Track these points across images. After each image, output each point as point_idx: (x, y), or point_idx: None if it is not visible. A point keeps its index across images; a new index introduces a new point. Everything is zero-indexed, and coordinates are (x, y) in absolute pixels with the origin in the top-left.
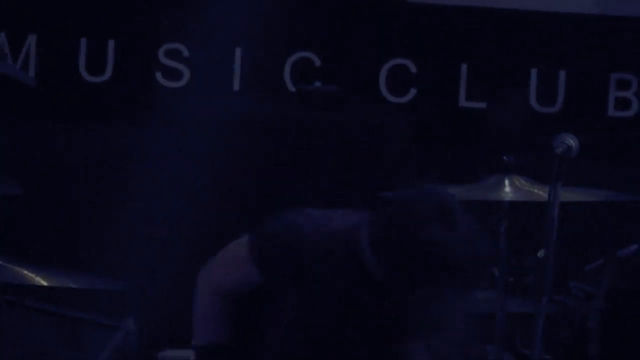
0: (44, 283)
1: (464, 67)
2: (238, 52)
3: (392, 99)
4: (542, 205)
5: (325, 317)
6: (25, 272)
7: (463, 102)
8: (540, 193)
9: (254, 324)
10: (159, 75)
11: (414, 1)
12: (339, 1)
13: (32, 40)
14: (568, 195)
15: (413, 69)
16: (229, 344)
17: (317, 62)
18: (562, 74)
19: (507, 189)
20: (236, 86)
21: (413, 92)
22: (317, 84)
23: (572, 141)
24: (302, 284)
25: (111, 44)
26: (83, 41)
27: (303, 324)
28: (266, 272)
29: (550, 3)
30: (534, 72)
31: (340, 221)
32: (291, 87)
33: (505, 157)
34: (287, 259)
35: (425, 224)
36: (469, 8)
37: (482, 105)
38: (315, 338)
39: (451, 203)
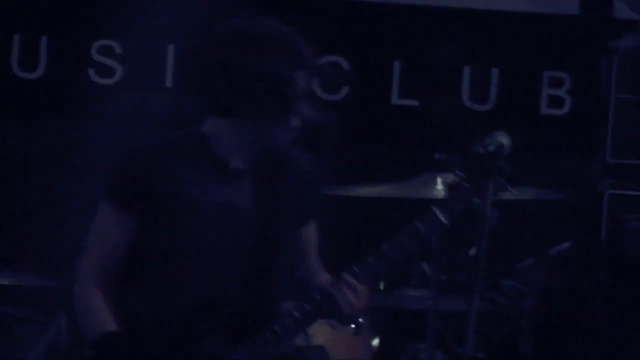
0: None
1: (396, 65)
2: (171, 49)
3: (324, 96)
4: (475, 203)
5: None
6: None
7: (396, 100)
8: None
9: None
10: (91, 72)
11: None
12: None
13: None
14: (500, 193)
15: (346, 66)
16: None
17: None
18: (495, 72)
19: (440, 186)
20: (169, 83)
21: (346, 89)
22: None
23: (504, 139)
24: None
25: (44, 40)
26: (16, 37)
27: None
28: (121, 202)
29: (483, 1)
30: (466, 70)
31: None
32: None
33: (437, 155)
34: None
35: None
36: (402, 5)
37: (414, 103)
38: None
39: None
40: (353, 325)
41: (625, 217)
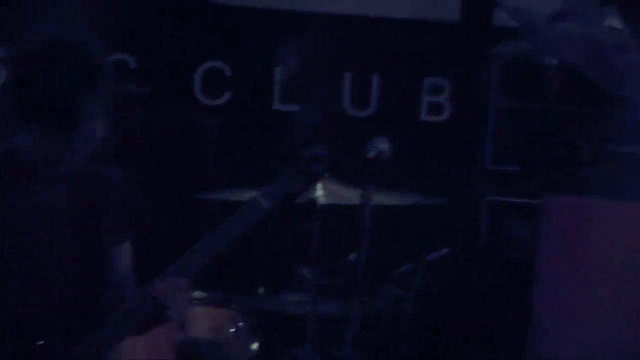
0: None
1: (278, 71)
2: None
3: (206, 101)
4: (354, 208)
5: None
6: None
7: (277, 105)
8: (353, 196)
9: None
10: None
11: (229, 4)
12: (156, 4)
13: None
14: (380, 198)
15: (228, 72)
16: None
17: (133, 64)
18: (376, 79)
19: (320, 191)
20: None
21: (227, 95)
22: (131, 85)
23: (385, 146)
24: None
25: None
26: None
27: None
28: None
29: (365, 7)
30: (347, 77)
31: None
32: None
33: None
34: None
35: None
36: (285, 12)
37: (295, 108)
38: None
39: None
40: (234, 330)
41: (505, 224)
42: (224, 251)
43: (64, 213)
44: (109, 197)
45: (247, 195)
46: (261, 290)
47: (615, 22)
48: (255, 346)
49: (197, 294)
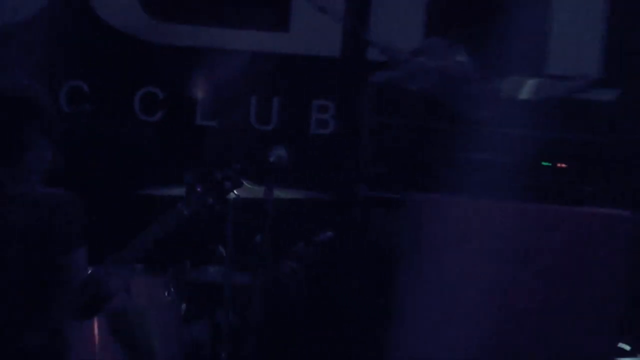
0: None
1: (200, 94)
2: None
3: (144, 118)
4: (260, 200)
5: None
6: None
7: (199, 121)
8: (258, 191)
9: None
10: None
11: (161, 43)
12: (105, 43)
13: None
14: (279, 193)
15: (161, 95)
16: None
17: (86, 89)
18: (276, 100)
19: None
20: None
21: (160, 113)
22: (86, 106)
23: (283, 152)
24: None
25: None
26: None
27: None
28: None
29: (269, 45)
30: (253, 99)
31: None
32: (67, 109)
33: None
34: None
35: None
36: (203, 48)
37: (213, 124)
38: None
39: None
40: (167, 295)
41: (374, 213)
42: (151, 247)
43: (18, 232)
44: (58, 216)
45: (176, 191)
46: (189, 264)
47: (461, 57)
48: (182, 307)
49: (137, 266)
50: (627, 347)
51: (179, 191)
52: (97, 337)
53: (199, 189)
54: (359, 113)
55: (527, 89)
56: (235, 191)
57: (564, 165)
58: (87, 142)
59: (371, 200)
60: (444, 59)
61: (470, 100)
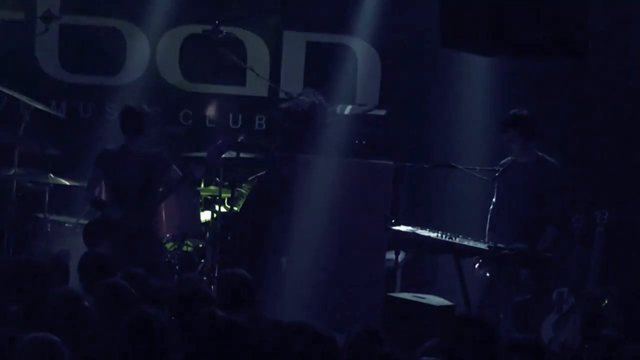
0: None
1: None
2: None
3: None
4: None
5: None
6: None
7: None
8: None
9: None
10: None
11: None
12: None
13: None
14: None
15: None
16: None
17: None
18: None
19: None
20: None
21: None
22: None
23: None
24: None
25: None
26: None
27: None
28: None
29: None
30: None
31: None
32: None
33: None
34: None
35: None
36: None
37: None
38: None
39: None
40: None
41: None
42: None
43: (142, 162)
44: (159, 159)
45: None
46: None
47: (319, 96)
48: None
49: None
50: None
51: None
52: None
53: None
54: (276, 120)
55: (347, 110)
56: None
57: (364, 142)
58: None
59: (281, 158)
60: (312, 97)
61: (325, 115)
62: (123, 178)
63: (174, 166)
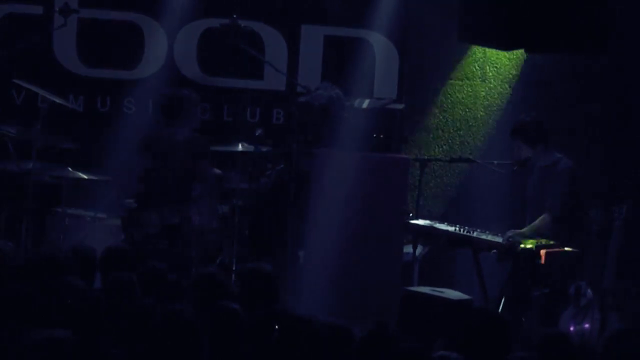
0: None
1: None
2: None
3: None
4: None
5: None
6: None
7: None
8: None
9: None
10: None
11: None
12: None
13: None
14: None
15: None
16: None
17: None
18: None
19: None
20: None
21: None
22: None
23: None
24: None
25: None
26: None
27: None
28: None
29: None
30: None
31: None
32: None
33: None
34: None
35: None
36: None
37: None
38: None
39: None
40: None
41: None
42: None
43: (181, 150)
44: (197, 147)
45: None
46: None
47: (337, 90)
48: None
49: None
50: None
51: None
52: None
53: None
54: (294, 114)
55: (365, 104)
56: None
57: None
58: None
59: (298, 152)
60: (330, 91)
61: (342, 108)
62: (166, 164)
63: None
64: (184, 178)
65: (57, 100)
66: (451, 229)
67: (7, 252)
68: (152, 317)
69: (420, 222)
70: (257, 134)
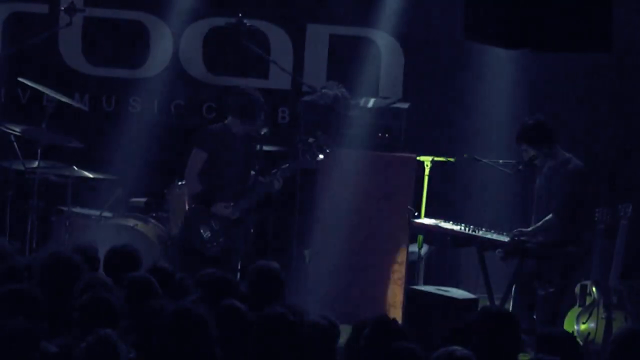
0: None
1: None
2: None
3: None
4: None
5: None
6: None
7: None
8: None
9: None
10: None
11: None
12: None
13: None
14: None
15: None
16: None
17: None
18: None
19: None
20: None
21: None
22: None
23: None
24: None
25: None
26: None
27: None
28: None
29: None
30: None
31: None
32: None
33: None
34: None
35: None
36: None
37: None
38: None
39: None
40: None
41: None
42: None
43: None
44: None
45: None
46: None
47: (342, 89)
48: None
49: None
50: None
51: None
52: None
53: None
54: (300, 113)
55: (370, 103)
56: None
57: (387, 135)
58: None
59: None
60: (335, 90)
61: (347, 107)
62: (227, 161)
63: None
64: (242, 174)
65: (63, 99)
66: (457, 227)
67: (12, 250)
68: (164, 315)
69: (426, 221)
70: (262, 133)
